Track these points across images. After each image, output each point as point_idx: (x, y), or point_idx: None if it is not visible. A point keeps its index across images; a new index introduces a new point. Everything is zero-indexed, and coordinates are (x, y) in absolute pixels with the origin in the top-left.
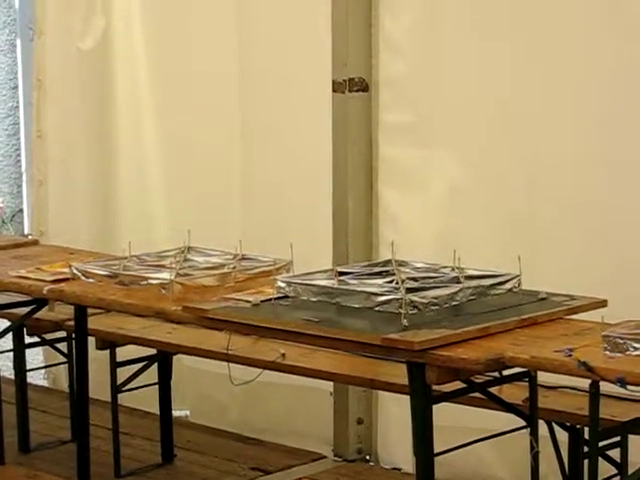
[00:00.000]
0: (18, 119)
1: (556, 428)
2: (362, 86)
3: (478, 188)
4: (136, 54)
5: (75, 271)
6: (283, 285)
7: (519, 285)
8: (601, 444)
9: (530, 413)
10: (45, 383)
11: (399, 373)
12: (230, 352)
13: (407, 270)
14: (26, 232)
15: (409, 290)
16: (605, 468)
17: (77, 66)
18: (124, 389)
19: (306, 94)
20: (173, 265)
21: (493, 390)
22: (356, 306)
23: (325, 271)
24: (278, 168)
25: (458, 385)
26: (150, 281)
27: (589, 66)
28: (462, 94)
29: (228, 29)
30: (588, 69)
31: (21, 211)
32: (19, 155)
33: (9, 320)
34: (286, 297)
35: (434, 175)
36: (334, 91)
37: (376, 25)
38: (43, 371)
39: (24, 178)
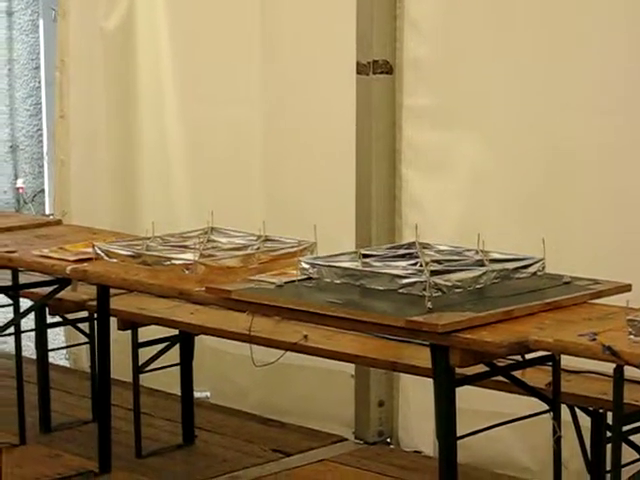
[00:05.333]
0: (40, 99)
1: (578, 413)
2: (386, 68)
3: (501, 171)
4: (159, 34)
5: (98, 251)
6: (307, 267)
7: (543, 269)
8: (624, 429)
9: (553, 397)
10: (66, 363)
11: (422, 356)
12: (252, 333)
13: (431, 253)
14: (47, 212)
15: (433, 273)
16: (627, 453)
17: (100, 46)
18: (146, 370)
19: (330, 76)
20: (196, 246)
21: (516, 374)
22: (380, 288)
23: (349, 253)
24: (301, 150)
25: (481, 368)
26: (173, 262)
27: (611, 50)
28: (485, 77)
29: (252, 9)
30: (610, 53)
31: (42, 191)
32: (41, 135)
33: (31, 300)
34: (310, 279)
35: (457, 158)
36: (358, 73)
37: (401, 8)
38: (64, 351)
39: (46, 158)
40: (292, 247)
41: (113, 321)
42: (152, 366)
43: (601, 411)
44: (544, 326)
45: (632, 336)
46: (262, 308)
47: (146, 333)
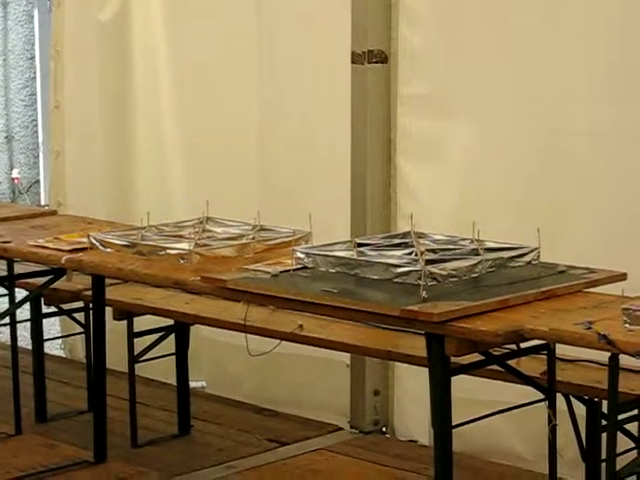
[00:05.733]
0: (35, 90)
1: (574, 401)
2: (381, 58)
3: (496, 160)
4: (155, 25)
5: (93, 241)
6: (302, 256)
7: (538, 258)
8: (618, 417)
9: (548, 386)
10: (62, 353)
11: (417, 345)
12: (247, 323)
13: (426, 242)
14: (43, 203)
15: (428, 262)
16: (622, 442)
17: (95, 37)
18: (141, 359)
19: (325, 65)
20: (192, 235)
21: (511, 363)
22: (375, 277)
23: (344, 242)
24: (297, 139)
25: (476, 357)
26: (169, 251)
27: (607, 39)
28: (480, 67)
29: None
30: (606, 41)
31: (38, 182)
32: (36, 126)
33: (27, 290)
34: (305, 268)
35: (452, 147)
36: (353, 62)
37: None
38: (60, 341)
39: (41, 149)
40: (287, 236)
41: (108, 311)
42: (147, 356)
43: (596, 400)
44: (539, 315)
45: (627, 325)
46: (257, 297)
47: (141, 323)
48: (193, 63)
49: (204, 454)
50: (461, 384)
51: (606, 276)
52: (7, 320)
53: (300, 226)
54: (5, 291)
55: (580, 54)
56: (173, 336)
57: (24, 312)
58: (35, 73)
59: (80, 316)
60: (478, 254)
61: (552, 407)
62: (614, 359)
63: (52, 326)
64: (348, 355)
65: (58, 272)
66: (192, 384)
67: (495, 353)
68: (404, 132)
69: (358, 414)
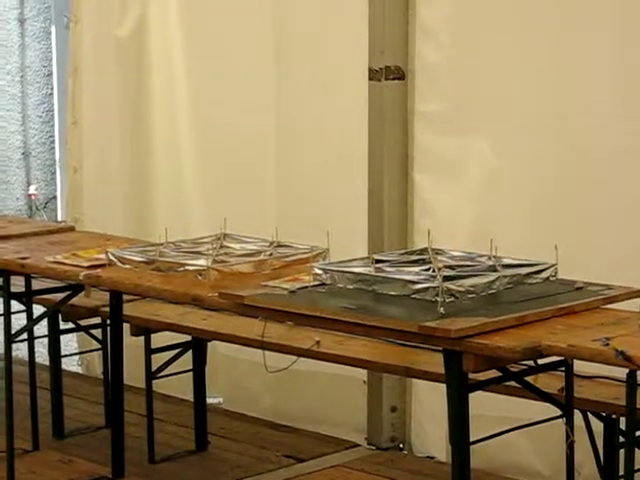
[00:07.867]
0: (52, 106)
1: (591, 418)
2: (398, 74)
3: (513, 176)
4: (172, 41)
5: (111, 257)
6: (320, 272)
7: (556, 274)
8: (636, 434)
9: (566, 402)
10: (79, 369)
11: (434, 361)
12: (265, 339)
13: (443, 258)
14: (59, 219)
15: (446, 278)
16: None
17: (113, 53)
18: (158, 376)
19: (342, 82)
20: (209, 252)
21: (529, 379)
22: (393, 294)
23: (362, 259)
24: (314, 156)
25: (494, 374)
26: (187, 268)
27: (627, 54)
28: (497, 83)
29: (264, 16)
30: (625, 57)
31: (54, 198)
32: (53, 142)
33: (44, 306)
34: (323, 284)
35: (469, 163)
36: (370, 79)
37: (413, 14)
38: (77, 357)
39: (58, 165)
40: (305, 253)
41: (126, 327)
42: (165, 372)
43: (614, 416)
44: (557, 331)
45: None
46: (275, 314)
47: (159, 339)
48: (211, 79)
49: (221, 470)
50: (479, 401)
51: (623, 292)
52: (25, 336)
53: (317, 242)
54: (23, 307)
55: (599, 69)
56: (190, 352)
57: (41, 328)
58: (52, 89)
59: (97, 332)
60: (496, 270)
61: (570, 424)
62: (632, 375)
63: (69, 342)
64: (365, 372)
65: (76, 288)
66: (209, 400)
67: (513, 369)
68: (421, 148)
69: (375, 430)
